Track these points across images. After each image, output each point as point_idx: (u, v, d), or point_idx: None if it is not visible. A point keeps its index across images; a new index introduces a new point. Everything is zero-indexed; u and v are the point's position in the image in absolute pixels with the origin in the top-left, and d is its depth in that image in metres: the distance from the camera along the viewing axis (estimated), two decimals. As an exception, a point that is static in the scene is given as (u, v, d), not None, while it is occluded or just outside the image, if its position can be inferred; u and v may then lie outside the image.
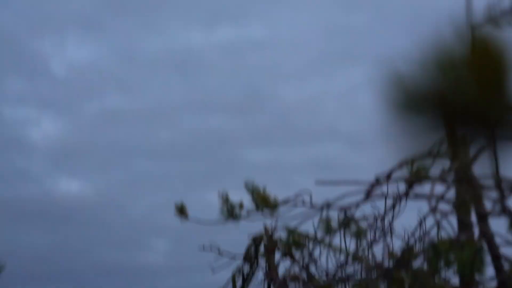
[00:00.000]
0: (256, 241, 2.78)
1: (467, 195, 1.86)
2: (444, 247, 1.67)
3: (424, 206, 2.02)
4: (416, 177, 1.86)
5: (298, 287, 2.66)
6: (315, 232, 2.13)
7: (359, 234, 1.89)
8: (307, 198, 2.12)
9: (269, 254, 2.78)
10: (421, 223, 1.85)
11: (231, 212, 2.10)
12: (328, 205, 1.92)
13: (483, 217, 1.86)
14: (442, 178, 1.96)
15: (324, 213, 1.93)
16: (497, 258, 1.81)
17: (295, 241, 2.10)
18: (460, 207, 1.83)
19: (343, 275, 2.02)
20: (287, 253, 2.70)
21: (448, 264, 1.69)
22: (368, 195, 2.04)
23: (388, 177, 2.01)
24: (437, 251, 1.67)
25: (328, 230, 1.86)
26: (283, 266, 2.68)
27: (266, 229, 2.77)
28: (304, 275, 2.37)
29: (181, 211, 2.10)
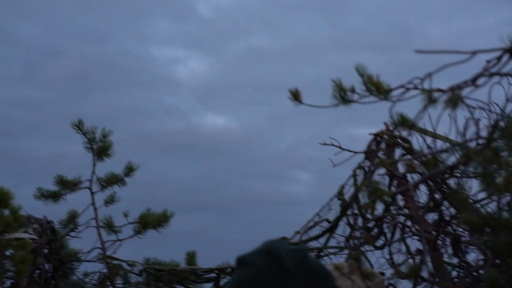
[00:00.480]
0: (376, 137, 2.82)
1: None
2: None
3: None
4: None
5: (417, 178, 2.69)
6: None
7: (456, 101, 1.87)
8: (419, 84, 2.12)
9: (390, 150, 2.81)
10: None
11: (343, 96, 2.17)
12: (430, 76, 1.91)
13: None
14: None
15: (427, 84, 1.92)
16: None
17: (405, 122, 2.13)
18: None
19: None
20: (407, 147, 2.73)
21: None
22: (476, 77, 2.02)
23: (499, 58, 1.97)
24: None
25: (431, 101, 1.86)
26: (403, 162, 2.70)
27: (386, 126, 2.80)
28: (421, 165, 2.38)
29: (295, 96, 2.19)
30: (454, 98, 1.99)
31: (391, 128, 2.76)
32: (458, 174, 2.43)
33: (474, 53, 1.79)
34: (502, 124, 1.87)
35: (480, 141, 1.85)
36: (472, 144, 1.92)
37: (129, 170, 3.68)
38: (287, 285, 1.41)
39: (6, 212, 2.90)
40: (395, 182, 2.78)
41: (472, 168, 1.99)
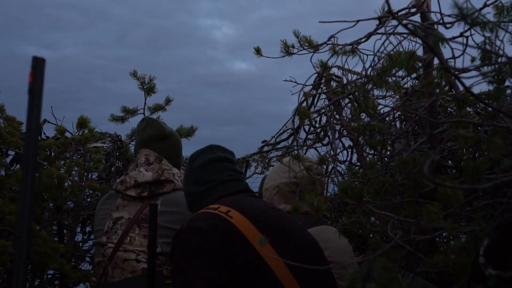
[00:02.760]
0: (318, 75, 2.98)
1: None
2: (395, 56, 1.71)
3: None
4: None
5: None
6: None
7: (353, 51, 1.98)
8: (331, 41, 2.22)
9: (327, 83, 2.99)
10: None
11: (287, 50, 2.32)
12: (333, 36, 2.03)
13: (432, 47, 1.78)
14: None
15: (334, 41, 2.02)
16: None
17: (323, 65, 2.28)
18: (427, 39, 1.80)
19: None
20: (338, 81, 2.90)
21: (393, 67, 1.76)
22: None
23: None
24: (390, 59, 1.74)
25: (334, 52, 1.98)
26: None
27: (325, 65, 2.90)
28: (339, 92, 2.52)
29: (258, 51, 2.33)
30: (351, 50, 2.15)
31: (326, 67, 2.89)
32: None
33: (357, 21, 1.93)
34: (378, 66, 2.00)
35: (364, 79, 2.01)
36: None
37: (168, 101, 3.88)
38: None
39: (86, 131, 3.17)
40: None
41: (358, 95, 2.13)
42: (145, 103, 3.84)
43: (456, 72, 1.78)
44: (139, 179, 2.05)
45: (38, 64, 1.00)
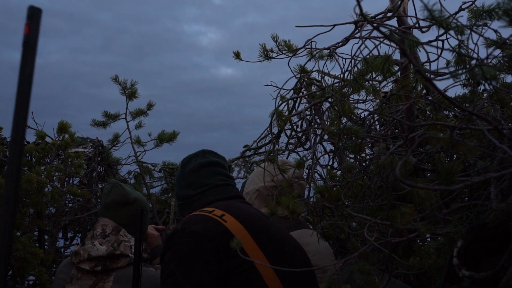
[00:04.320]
0: (299, 79, 2.96)
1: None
2: (371, 60, 1.70)
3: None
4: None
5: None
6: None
7: (330, 55, 1.98)
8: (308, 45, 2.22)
9: (308, 87, 2.97)
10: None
11: (266, 54, 2.30)
12: (310, 40, 2.02)
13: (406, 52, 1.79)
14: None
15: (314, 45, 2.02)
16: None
17: (302, 69, 2.27)
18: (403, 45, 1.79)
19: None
20: (319, 85, 2.88)
21: (370, 71, 1.76)
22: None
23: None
24: (367, 63, 1.74)
25: (312, 56, 1.98)
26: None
27: (304, 70, 2.88)
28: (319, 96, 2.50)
29: (237, 55, 2.31)
30: (329, 54, 2.13)
31: (307, 72, 2.87)
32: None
33: (334, 25, 1.92)
34: (354, 70, 2.00)
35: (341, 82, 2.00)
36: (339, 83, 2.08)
37: (150, 106, 3.84)
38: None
39: (66, 136, 3.11)
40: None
41: (334, 99, 2.11)
42: (127, 108, 3.79)
43: (432, 76, 1.78)
44: (93, 253, 1.95)
45: (34, 14, 0.93)
